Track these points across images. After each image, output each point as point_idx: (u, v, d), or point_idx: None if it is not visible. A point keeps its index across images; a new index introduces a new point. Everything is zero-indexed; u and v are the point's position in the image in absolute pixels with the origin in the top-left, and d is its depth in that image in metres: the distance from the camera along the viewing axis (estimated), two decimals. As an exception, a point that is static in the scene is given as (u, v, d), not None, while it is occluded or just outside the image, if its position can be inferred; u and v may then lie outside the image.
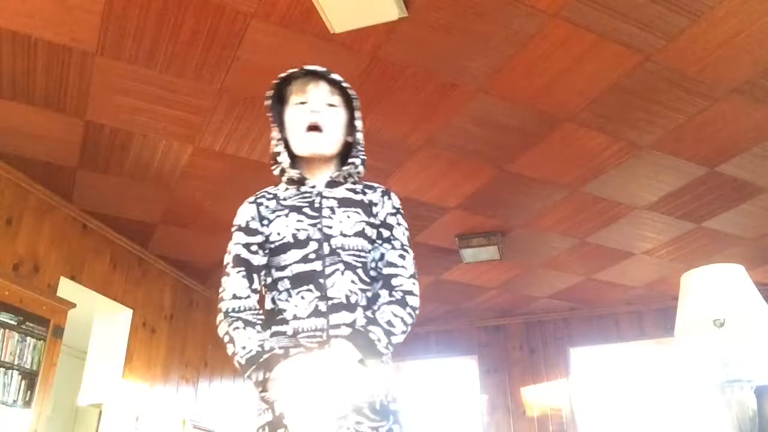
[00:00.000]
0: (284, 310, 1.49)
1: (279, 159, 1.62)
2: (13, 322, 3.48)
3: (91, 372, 4.52)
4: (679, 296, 2.91)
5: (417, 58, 2.91)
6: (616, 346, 5.67)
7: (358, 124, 1.63)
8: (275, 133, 1.63)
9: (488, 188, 3.92)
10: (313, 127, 1.57)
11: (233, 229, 1.59)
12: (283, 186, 1.65)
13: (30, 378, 3.51)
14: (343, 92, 1.63)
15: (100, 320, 4.65)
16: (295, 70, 1.60)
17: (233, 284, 1.51)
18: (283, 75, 1.61)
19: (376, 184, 1.67)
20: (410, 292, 1.53)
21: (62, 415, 5.90)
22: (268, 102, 1.63)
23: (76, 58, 2.93)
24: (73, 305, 3.89)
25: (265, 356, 1.41)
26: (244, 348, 1.42)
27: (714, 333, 2.66)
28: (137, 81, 3.07)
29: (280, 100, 1.66)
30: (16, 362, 3.45)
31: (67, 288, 4.04)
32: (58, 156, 3.66)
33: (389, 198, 1.64)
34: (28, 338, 3.55)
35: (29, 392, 3.49)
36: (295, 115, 1.59)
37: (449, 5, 2.62)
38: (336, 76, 1.60)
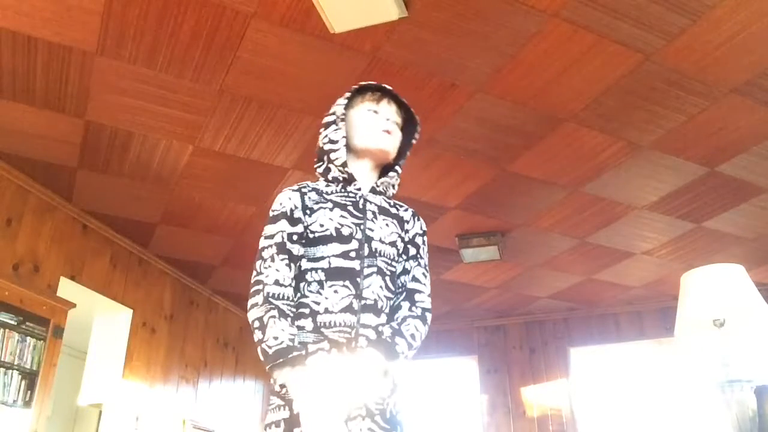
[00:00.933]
0: (314, 303, 1.50)
1: (333, 156, 1.66)
2: (13, 322, 3.48)
3: (91, 372, 4.52)
4: (679, 296, 2.91)
5: (417, 58, 2.91)
6: (616, 346, 5.67)
7: (413, 143, 1.78)
8: (335, 134, 1.68)
9: (488, 188, 3.92)
10: (387, 131, 1.70)
11: (274, 213, 1.60)
12: (322, 182, 1.69)
13: (30, 378, 3.51)
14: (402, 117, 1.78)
15: (100, 320, 4.65)
16: (371, 83, 1.75)
17: (277, 270, 1.50)
18: (364, 83, 1.74)
19: (405, 204, 1.78)
20: (429, 310, 1.63)
21: (62, 415, 5.90)
22: (344, 101, 1.71)
23: (76, 58, 2.93)
24: (73, 305, 3.89)
25: (295, 353, 1.42)
26: (276, 338, 1.42)
27: (714, 333, 2.66)
28: (137, 81, 3.07)
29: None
30: (16, 362, 3.45)
31: (67, 288, 4.03)
32: (58, 156, 3.66)
33: (418, 220, 1.76)
34: (28, 338, 3.55)
35: (29, 392, 3.49)
36: (368, 118, 1.70)
37: (449, 5, 2.62)
38: (403, 99, 1.76)
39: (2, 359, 3.38)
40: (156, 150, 3.60)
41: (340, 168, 1.65)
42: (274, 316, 1.45)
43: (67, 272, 4.08)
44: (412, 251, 1.68)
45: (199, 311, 5.37)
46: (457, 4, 2.62)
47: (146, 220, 4.38)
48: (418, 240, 1.71)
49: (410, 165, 3.70)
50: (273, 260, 1.52)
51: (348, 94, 1.72)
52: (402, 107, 1.78)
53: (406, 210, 1.75)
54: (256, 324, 1.46)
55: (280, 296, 1.48)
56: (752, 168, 3.68)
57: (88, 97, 3.18)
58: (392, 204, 1.73)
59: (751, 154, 3.56)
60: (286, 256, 1.52)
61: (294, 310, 1.50)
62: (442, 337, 6.12)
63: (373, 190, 1.69)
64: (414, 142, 1.80)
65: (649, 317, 5.56)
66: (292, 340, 1.43)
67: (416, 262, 1.68)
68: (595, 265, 4.93)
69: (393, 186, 1.75)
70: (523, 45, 2.82)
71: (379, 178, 1.73)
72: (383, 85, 1.76)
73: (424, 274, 1.68)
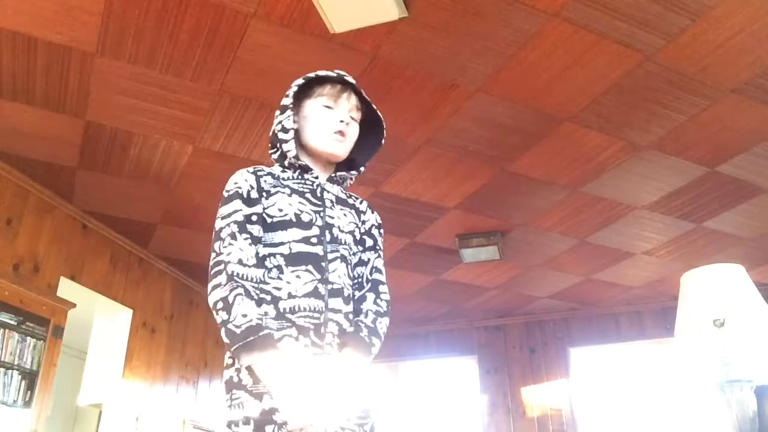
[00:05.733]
0: (275, 288, 1.44)
1: (285, 148, 1.60)
2: (13, 322, 3.48)
3: (91, 372, 4.52)
4: (679, 296, 2.90)
5: (417, 58, 2.91)
6: (616, 346, 5.67)
7: (382, 143, 1.73)
8: (288, 122, 1.61)
9: (488, 188, 3.92)
10: (339, 133, 1.62)
11: (229, 193, 1.54)
12: (278, 167, 1.65)
13: (30, 378, 3.51)
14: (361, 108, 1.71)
15: (100, 320, 4.65)
16: (331, 73, 1.65)
17: (241, 249, 1.43)
18: (321, 73, 1.65)
19: (360, 197, 1.76)
20: (390, 303, 1.62)
21: (62, 415, 5.90)
22: (294, 89, 1.64)
23: (76, 58, 2.93)
24: (73, 305, 3.89)
25: (266, 332, 1.34)
26: (245, 316, 1.34)
27: (714, 333, 2.66)
28: (137, 81, 3.07)
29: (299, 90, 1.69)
30: (16, 362, 3.45)
31: (67, 288, 4.03)
32: (58, 156, 3.66)
33: (373, 212, 1.74)
34: (28, 338, 3.55)
35: (29, 392, 3.49)
36: (322, 115, 1.63)
37: (449, 5, 2.62)
38: (365, 95, 1.68)
39: (2, 359, 3.38)
40: (156, 150, 3.60)
41: (294, 158, 1.60)
42: (240, 294, 1.36)
43: (67, 272, 4.08)
44: (369, 242, 1.66)
45: (199, 311, 5.37)
46: (457, 4, 2.62)
47: (146, 220, 4.38)
48: (375, 232, 1.69)
49: (410, 165, 3.70)
50: (234, 238, 1.45)
51: (301, 81, 1.63)
52: (364, 102, 1.68)
53: (361, 202, 1.72)
54: (220, 305, 1.37)
55: (245, 276, 1.40)
56: (752, 168, 3.68)
57: (88, 97, 3.18)
58: (348, 195, 1.70)
59: (751, 154, 3.56)
60: (248, 236, 1.46)
61: (258, 293, 1.41)
62: (442, 337, 6.12)
63: (331, 180, 1.66)
64: (382, 142, 1.73)
65: (649, 317, 5.56)
66: (261, 320, 1.35)
67: (376, 254, 1.65)
68: (595, 265, 4.93)
69: (349, 179, 1.71)
70: (523, 45, 2.82)
71: (337, 171, 1.68)
72: (344, 76, 1.65)
73: (384, 265, 1.67)
